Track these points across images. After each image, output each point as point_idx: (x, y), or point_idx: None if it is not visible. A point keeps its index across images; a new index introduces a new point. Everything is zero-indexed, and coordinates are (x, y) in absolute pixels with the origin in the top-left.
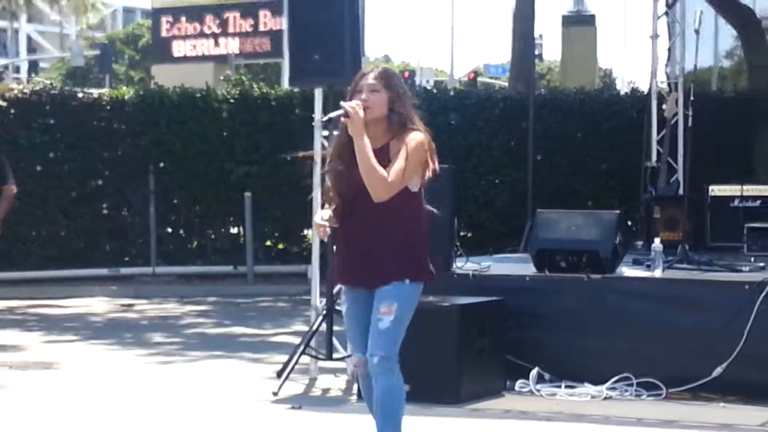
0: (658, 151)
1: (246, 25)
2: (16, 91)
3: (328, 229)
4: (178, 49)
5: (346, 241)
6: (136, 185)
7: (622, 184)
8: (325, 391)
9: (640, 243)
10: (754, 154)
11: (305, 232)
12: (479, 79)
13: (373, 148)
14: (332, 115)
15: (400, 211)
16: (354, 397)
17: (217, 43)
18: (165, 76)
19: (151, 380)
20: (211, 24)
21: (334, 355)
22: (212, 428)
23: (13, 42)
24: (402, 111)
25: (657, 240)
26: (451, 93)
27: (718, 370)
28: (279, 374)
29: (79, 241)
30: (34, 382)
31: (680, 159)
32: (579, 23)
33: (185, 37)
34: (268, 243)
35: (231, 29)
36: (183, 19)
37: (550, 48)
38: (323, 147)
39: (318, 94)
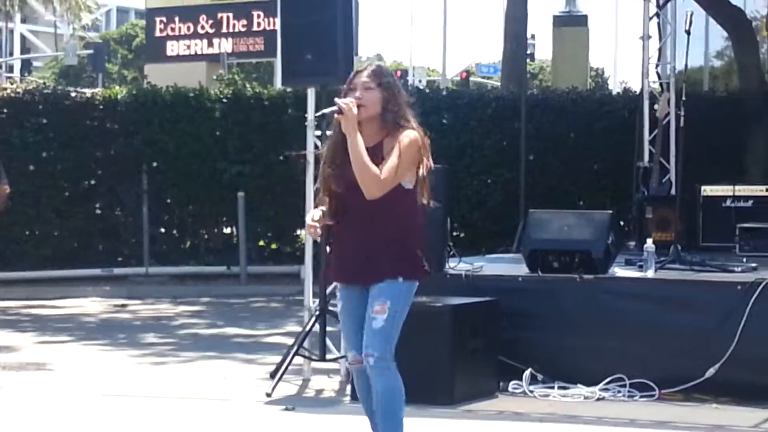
0: (650, 151)
1: (239, 25)
2: (9, 91)
3: (318, 230)
4: (172, 48)
5: (340, 238)
6: (129, 185)
7: (614, 184)
8: (319, 392)
9: (632, 243)
10: (746, 154)
11: (298, 232)
12: (471, 78)
13: (366, 146)
14: (326, 111)
15: (394, 208)
16: (347, 398)
17: (210, 43)
18: (158, 76)
19: (144, 381)
20: (204, 24)
21: (328, 356)
22: (205, 429)
23: (7, 41)
24: (396, 109)
25: (649, 240)
26: (444, 93)
27: (710, 371)
28: (272, 375)
29: (72, 241)
30: (28, 382)
31: (672, 159)
32: (570, 23)
33: (179, 37)
34: (261, 243)
35: (224, 29)
36: (176, 19)
37: (542, 48)
38: (316, 147)
39: (311, 93)
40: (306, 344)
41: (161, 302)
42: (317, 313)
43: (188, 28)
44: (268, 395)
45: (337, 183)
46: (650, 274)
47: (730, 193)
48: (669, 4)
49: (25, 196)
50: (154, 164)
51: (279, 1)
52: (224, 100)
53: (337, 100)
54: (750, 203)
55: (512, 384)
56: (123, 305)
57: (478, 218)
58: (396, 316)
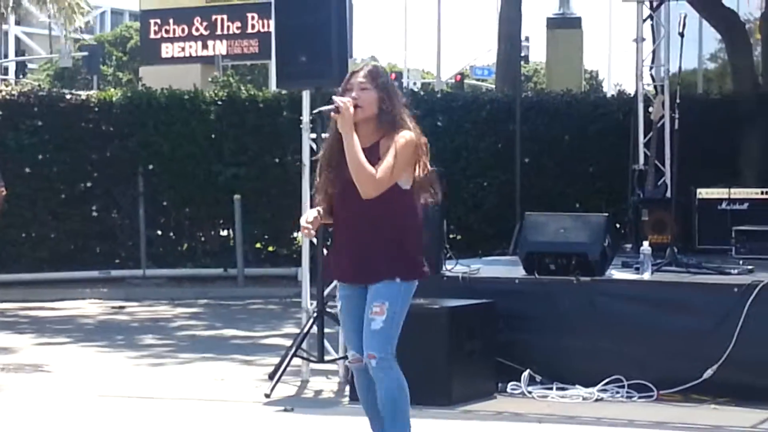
0: (645, 153)
1: (233, 27)
2: (4, 93)
3: (312, 231)
4: (166, 50)
5: (338, 238)
6: (125, 187)
7: (609, 187)
8: (317, 393)
9: (628, 246)
10: (741, 156)
11: (295, 234)
12: (466, 81)
13: (363, 147)
14: (323, 109)
15: (391, 208)
16: (346, 399)
17: (205, 45)
18: (153, 78)
19: (142, 382)
20: (199, 26)
21: (326, 358)
22: (204, 430)
23: (1, 43)
24: (392, 110)
25: (645, 243)
26: (438, 95)
27: (708, 372)
28: (271, 376)
29: (68, 243)
30: (26, 384)
31: (667, 161)
32: (564, 26)
33: (173, 39)
34: (258, 245)
35: (219, 31)
36: (171, 21)
37: (537, 50)
38: (311, 149)
39: (305, 96)
40: (304, 346)
41: (159, 304)
42: (315, 314)
43: (183, 30)
44: (267, 396)
45: (333, 183)
46: (647, 276)
47: (726, 196)
48: (662, 7)
49: (21, 198)
50: (150, 167)
51: (273, 3)
52: (219, 103)
53: (335, 98)
54: (745, 206)
55: (510, 385)
56: (121, 307)
57: (474, 221)
58: (395, 317)
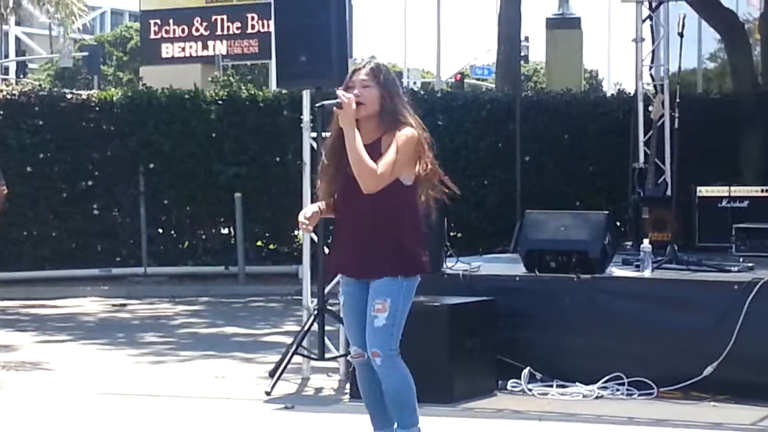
0: (645, 152)
1: (233, 28)
2: (5, 93)
3: (310, 227)
4: (167, 50)
5: (341, 234)
6: (126, 186)
7: (609, 186)
8: (318, 390)
9: (629, 244)
10: (741, 155)
11: (296, 232)
12: (466, 80)
13: (365, 144)
14: (326, 103)
15: (393, 205)
16: (347, 397)
17: (205, 45)
18: (153, 78)
19: (143, 380)
20: (199, 26)
21: (327, 355)
22: (205, 428)
23: (2, 44)
24: (394, 107)
25: (646, 240)
26: (438, 95)
27: (708, 370)
28: (271, 374)
29: (70, 242)
30: (27, 382)
31: (667, 160)
32: (564, 26)
33: (173, 40)
34: (259, 243)
35: (219, 31)
36: (171, 21)
37: (537, 50)
38: (311, 148)
39: (306, 95)
40: (305, 343)
41: (160, 302)
42: (316, 312)
43: (183, 31)
44: (268, 394)
45: (335, 180)
46: (647, 273)
47: (726, 194)
48: (662, 7)
49: (22, 197)
50: (151, 165)
51: (273, 3)
52: (219, 102)
53: (338, 91)
54: (745, 204)
55: (511, 382)
56: (122, 305)
57: (474, 219)
58: (397, 314)
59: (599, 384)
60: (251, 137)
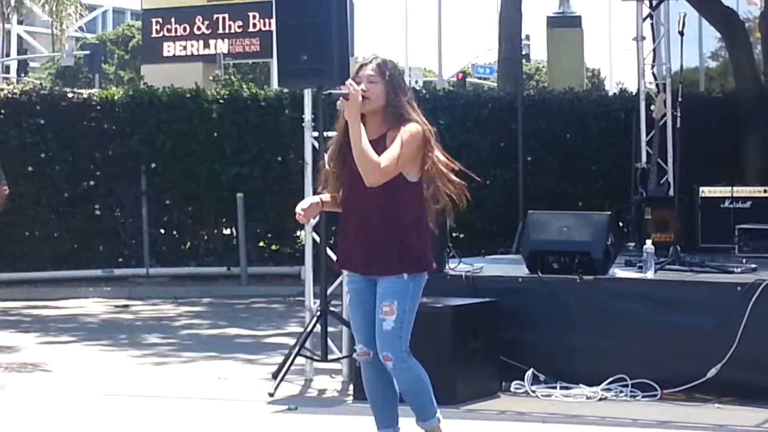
0: (647, 151)
1: (235, 26)
2: (6, 92)
3: (306, 217)
4: (168, 49)
5: (347, 231)
6: (128, 186)
7: (612, 185)
8: (321, 392)
9: (631, 244)
10: (743, 154)
11: (298, 233)
12: (468, 79)
13: (370, 139)
14: (334, 92)
15: (396, 201)
16: (350, 398)
17: (206, 44)
18: (154, 77)
19: (146, 381)
20: (200, 25)
21: (330, 357)
22: (208, 429)
23: (3, 42)
24: (399, 102)
25: (648, 241)
26: (440, 93)
27: (712, 371)
28: (274, 375)
29: (72, 242)
30: (29, 383)
31: (670, 160)
32: (564, 24)
33: (175, 38)
34: (261, 244)
35: (220, 30)
36: (172, 20)
37: (538, 48)
38: (313, 147)
39: (307, 94)
40: (308, 345)
41: (162, 303)
42: (318, 313)
43: (184, 29)
44: (271, 395)
45: (340, 176)
46: (650, 275)
47: (729, 194)
48: (662, 6)
49: (24, 197)
50: (153, 165)
51: (274, 2)
52: (221, 101)
53: (347, 82)
54: (748, 204)
55: (514, 384)
56: (124, 306)
57: (477, 219)
58: (405, 315)
59: (603, 385)
60: (253, 136)
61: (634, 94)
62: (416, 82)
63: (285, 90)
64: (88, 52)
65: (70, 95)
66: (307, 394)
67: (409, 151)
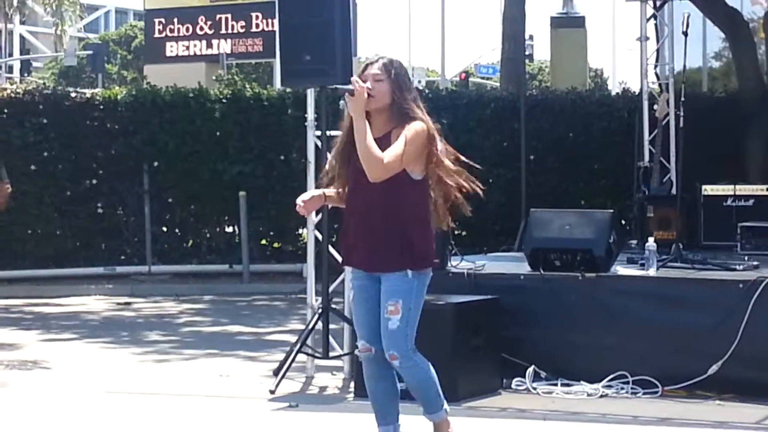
0: (650, 150)
1: (238, 26)
2: (9, 91)
3: (306, 210)
4: (171, 49)
5: (351, 227)
6: (130, 184)
7: (614, 184)
8: (322, 389)
9: (634, 242)
10: (745, 153)
11: (300, 231)
12: (471, 79)
13: (375, 137)
14: (340, 87)
15: (400, 199)
16: (351, 395)
17: (209, 44)
18: (157, 76)
19: (147, 378)
20: (203, 25)
21: (331, 354)
22: (209, 427)
23: (6, 42)
24: (404, 101)
25: (651, 239)
26: (443, 93)
27: (713, 368)
28: (275, 372)
29: (74, 240)
30: (31, 380)
31: (673, 158)
32: (568, 25)
33: (178, 38)
34: (263, 242)
35: (223, 30)
36: (175, 20)
37: (541, 48)
38: (315, 146)
39: (310, 94)
40: (309, 342)
41: (164, 300)
42: (320, 310)
43: (187, 29)
44: (272, 392)
45: (345, 173)
46: (652, 272)
47: (731, 193)
48: (666, 6)
49: (26, 195)
50: (155, 164)
51: (277, 2)
52: (224, 101)
53: (354, 78)
54: (751, 202)
55: (515, 381)
56: (126, 303)
57: (479, 218)
58: (410, 314)
59: (604, 382)
60: (255, 136)
61: (637, 93)
62: (419, 81)
63: (288, 90)
64: (90, 52)
65: (73, 95)
66: (309, 391)
67: (414, 148)
